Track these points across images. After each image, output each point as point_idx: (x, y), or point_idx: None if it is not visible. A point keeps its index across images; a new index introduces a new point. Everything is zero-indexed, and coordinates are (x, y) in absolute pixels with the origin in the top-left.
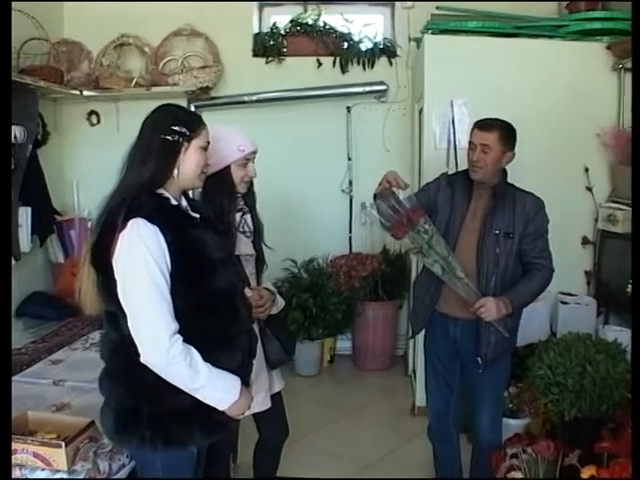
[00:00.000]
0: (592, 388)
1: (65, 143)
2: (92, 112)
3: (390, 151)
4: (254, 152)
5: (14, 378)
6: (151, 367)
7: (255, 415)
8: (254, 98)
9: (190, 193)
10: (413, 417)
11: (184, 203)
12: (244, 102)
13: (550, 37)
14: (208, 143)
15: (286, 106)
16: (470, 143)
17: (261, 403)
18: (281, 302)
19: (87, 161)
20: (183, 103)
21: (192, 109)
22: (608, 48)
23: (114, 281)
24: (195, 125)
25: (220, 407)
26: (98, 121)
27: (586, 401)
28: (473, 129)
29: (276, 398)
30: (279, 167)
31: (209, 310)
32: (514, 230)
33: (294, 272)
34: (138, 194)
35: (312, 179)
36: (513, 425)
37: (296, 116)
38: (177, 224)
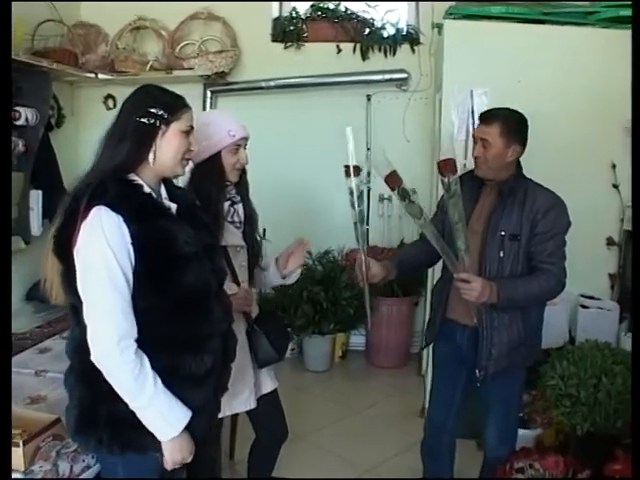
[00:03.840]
0: (607, 401)
1: (81, 127)
2: (109, 96)
3: (410, 142)
4: (245, 138)
5: None
6: (99, 368)
7: (249, 415)
8: (271, 84)
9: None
10: (422, 419)
11: (163, 191)
12: (261, 88)
13: (579, 24)
14: (192, 127)
15: (304, 93)
16: (473, 136)
17: (243, 403)
18: None
19: None
20: (199, 88)
21: (208, 94)
22: None
23: (75, 272)
24: (176, 107)
25: (157, 437)
26: (114, 105)
27: (600, 415)
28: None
29: (270, 398)
30: (295, 155)
31: (175, 310)
32: (521, 231)
33: (308, 264)
34: (105, 179)
35: (329, 169)
36: (523, 435)
37: (314, 103)
38: (144, 214)
